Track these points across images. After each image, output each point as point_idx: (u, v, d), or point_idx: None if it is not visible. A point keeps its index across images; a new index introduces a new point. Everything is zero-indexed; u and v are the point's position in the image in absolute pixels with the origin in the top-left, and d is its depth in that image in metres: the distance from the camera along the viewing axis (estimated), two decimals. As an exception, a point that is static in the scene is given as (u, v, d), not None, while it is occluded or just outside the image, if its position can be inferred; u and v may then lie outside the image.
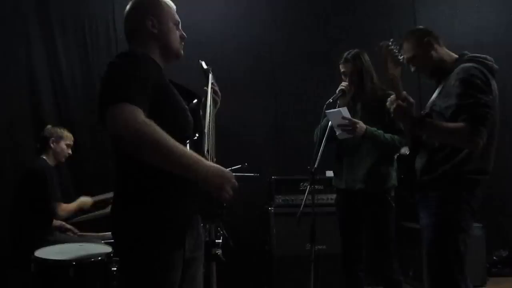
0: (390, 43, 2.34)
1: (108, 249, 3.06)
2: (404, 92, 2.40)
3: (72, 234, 3.72)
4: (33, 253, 2.90)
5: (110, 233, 3.79)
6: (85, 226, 3.82)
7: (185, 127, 1.78)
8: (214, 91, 2.12)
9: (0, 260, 3.61)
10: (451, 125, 2.31)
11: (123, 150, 1.60)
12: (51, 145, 3.59)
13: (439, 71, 2.52)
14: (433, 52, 2.52)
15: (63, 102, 4.34)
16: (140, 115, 1.53)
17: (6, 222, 3.49)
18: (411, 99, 2.39)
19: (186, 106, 1.84)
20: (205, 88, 2.10)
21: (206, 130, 1.90)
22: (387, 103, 2.47)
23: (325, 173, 4.05)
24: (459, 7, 5.05)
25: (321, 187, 4.10)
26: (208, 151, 1.83)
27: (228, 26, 4.62)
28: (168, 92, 1.76)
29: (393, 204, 3.06)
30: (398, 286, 3.06)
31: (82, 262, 2.85)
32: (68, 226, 3.75)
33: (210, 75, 2.24)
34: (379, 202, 3.06)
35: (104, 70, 1.68)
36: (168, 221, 1.70)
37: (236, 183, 1.70)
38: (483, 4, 5.08)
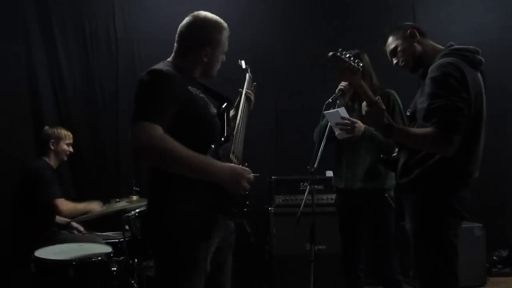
0: (337, 53, 2.22)
1: (108, 249, 3.06)
2: (378, 98, 2.30)
3: (77, 232, 3.73)
4: (33, 253, 2.91)
5: (111, 233, 3.82)
6: (85, 226, 3.82)
7: (210, 133, 1.96)
8: (247, 98, 2.32)
9: (0, 260, 3.62)
10: (419, 131, 2.20)
11: (142, 160, 1.79)
12: (51, 147, 3.58)
13: (422, 64, 2.40)
14: (416, 44, 2.42)
15: (63, 102, 4.34)
16: (157, 131, 1.76)
17: (6, 222, 3.49)
18: (382, 105, 2.28)
19: (214, 113, 2.01)
20: (240, 90, 2.31)
21: (234, 132, 2.06)
22: (362, 108, 2.36)
23: (325, 173, 4.05)
24: (459, 7, 5.06)
25: (321, 187, 4.11)
26: (234, 152, 1.99)
27: (228, 26, 4.62)
28: (194, 104, 1.92)
29: (393, 204, 3.06)
30: (398, 286, 3.06)
31: (82, 262, 2.86)
32: (75, 224, 3.74)
33: (247, 75, 2.43)
34: (379, 201, 3.06)
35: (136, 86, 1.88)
36: (195, 218, 1.87)
37: (252, 177, 1.93)
38: (483, 4, 5.09)
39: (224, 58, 2.13)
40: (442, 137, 2.12)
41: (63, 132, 3.65)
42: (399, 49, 2.46)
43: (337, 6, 4.91)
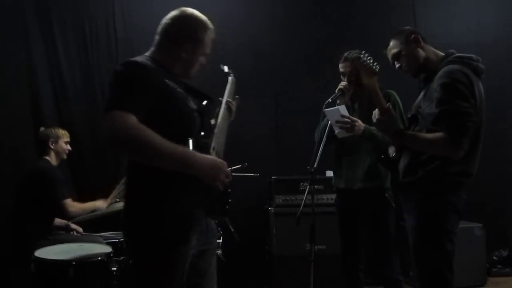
0: (361, 56, 2.34)
1: (108, 249, 3.06)
2: (388, 104, 2.42)
3: (76, 233, 3.72)
4: (33, 253, 2.91)
5: (111, 233, 3.81)
6: (85, 226, 3.82)
7: (188, 126, 1.87)
8: (228, 107, 2.23)
9: (0, 260, 3.61)
10: (430, 136, 2.30)
11: (114, 151, 1.70)
12: (51, 146, 3.60)
13: (425, 70, 2.48)
14: (419, 50, 2.48)
15: (63, 102, 4.34)
16: (130, 120, 1.66)
17: (7, 222, 3.49)
18: (393, 112, 2.41)
19: (194, 107, 1.93)
20: (220, 99, 2.24)
21: (215, 131, 2.01)
22: (372, 116, 2.47)
23: (325, 173, 4.05)
24: (459, 7, 5.05)
25: (321, 187, 4.11)
26: (214, 148, 1.92)
27: (228, 26, 4.62)
28: (171, 96, 1.84)
29: (393, 204, 3.06)
30: (398, 286, 3.06)
31: (82, 262, 2.86)
32: (73, 226, 3.74)
33: (230, 78, 2.38)
34: (379, 201, 3.07)
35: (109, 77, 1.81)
36: (173, 218, 1.80)
37: (229, 172, 1.85)
38: (483, 4, 5.09)
39: (204, 61, 2.06)
40: (453, 141, 2.22)
41: (60, 131, 3.67)
42: (403, 53, 2.50)
43: (337, 6, 4.90)
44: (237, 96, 2.38)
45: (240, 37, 4.65)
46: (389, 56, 2.56)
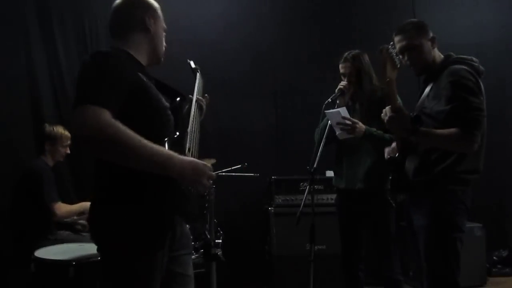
0: (389, 47, 2.33)
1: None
2: (399, 102, 2.41)
3: (82, 228, 3.65)
4: (33, 253, 2.91)
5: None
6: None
7: (164, 125, 1.78)
8: (198, 106, 2.11)
9: (0, 260, 3.61)
10: (444, 132, 2.32)
11: (87, 151, 1.57)
12: (46, 147, 3.57)
13: (429, 69, 2.51)
14: (432, 50, 2.51)
15: (63, 102, 4.32)
16: (104, 116, 1.51)
17: (7, 222, 3.49)
18: (405, 111, 2.37)
19: (167, 105, 1.83)
20: (190, 96, 2.11)
21: (189, 130, 1.89)
22: (382, 114, 2.43)
23: (325, 173, 4.05)
24: (459, 7, 5.06)
25: (321, 187, 4.12)
26: (189, 149, 1.82)
27: (228, 26, 4.63)
28: (146, 92, 1.72)
29: (393, 204, 3.07)
30: (398, 286, 3.06)
31: (82, 262, 2.86)
32: (82, 221, 3.67)
33: (198, 74, 2.25)
34: (379, 201, 3.06)
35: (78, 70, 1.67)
36: (148, 221, 1.68)
37: (213, 174, 1.71)
38: (482, 4, 5.09)
39: (164, 43, 1.95)
40: (467, 135, 2.28)
41: (60, 132, 3.59)
42: (418, 50, 2.48)
43: (337, 6, 4.91)
44: (206, 95, 2.24)
45: (240, 37, 4.65)
46: (400, 44, 2.51)
